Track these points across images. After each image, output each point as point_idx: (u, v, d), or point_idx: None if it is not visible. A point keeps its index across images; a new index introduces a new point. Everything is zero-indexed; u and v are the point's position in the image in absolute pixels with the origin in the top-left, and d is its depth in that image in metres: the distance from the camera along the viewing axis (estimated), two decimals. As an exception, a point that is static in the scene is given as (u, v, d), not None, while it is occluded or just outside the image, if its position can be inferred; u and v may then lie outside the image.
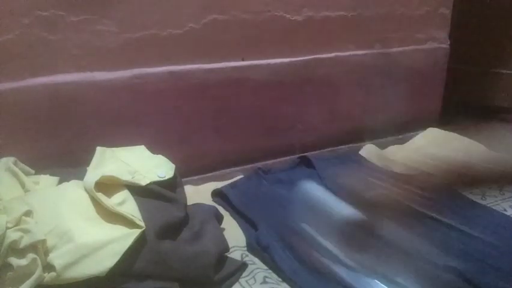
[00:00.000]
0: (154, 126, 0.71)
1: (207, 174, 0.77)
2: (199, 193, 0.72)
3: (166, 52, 0.68)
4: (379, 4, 0.86)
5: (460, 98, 1.11)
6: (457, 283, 0.49)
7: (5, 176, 0.51)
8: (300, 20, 0.78)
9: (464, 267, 0.50)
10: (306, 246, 0.56)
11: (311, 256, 0.54)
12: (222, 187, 0.72)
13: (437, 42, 0.97)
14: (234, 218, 0.65)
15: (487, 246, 0.56)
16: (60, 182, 0.54)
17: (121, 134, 0.67)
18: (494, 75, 1.08)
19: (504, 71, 1.06)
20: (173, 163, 0.60)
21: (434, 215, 0.64)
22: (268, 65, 0.77)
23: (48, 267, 0.42)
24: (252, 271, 0.52)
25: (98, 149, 0.57)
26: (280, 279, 0.51)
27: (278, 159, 0.84)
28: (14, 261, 0.40)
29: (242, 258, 0.55)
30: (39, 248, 0.41)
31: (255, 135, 0.80)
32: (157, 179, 0.54)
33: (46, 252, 0.42)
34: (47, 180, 0.55)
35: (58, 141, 0.64)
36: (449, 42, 0.98)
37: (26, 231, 0.41)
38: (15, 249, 0.41)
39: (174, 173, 0.57)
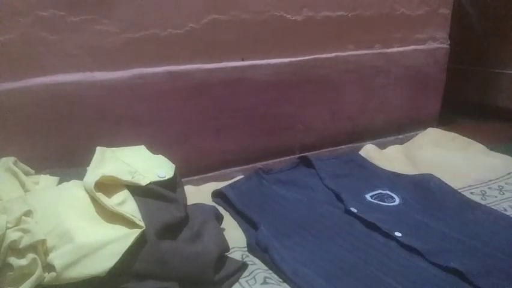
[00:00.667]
0: (154, 126, 0.71)
1: (207, 174, 0.77)
2: (199, 193, 0.72)
3: (166, 52, 0.68)
4: (379, 4, 0.86)
5: (460, 98, 1.11)
6: (458, 284, 0.49)
7: (5, 176, 0.51)
8: (300, 20, 0.78)
9: (464, 268, 0.50)
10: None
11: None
12: (222, 187, 0.72)
13: (437, 42, 0.97)
14: (234, 218, 0.65)
15: (487, 246, 0.56)
16: (60, 182, 0.54)
17: (121, 134, 0.67)
18: (494, 75, 1.08)
19: (504, 71, 1.06)
20: (173, 163, 0.60)
21: (433, 215, 0.64)
22: (268, 65, 0.77)
23: (48, 267, 0.42)
24: (252, 271, 0.52)
25: (98, 149, 0.57)
26: (280, 280, 0.51)
27: (278, 159, 0.84)
28: (14, 261, 0.40)
29: (242, 258, 0.55)
30: (39, 248, 0.41)
31: (255, 135, 0.80)
32: (157, 179, 0.54)
33: (46, 252, 0.42)
34: (47, 180, 0.54)
35: (58, 141, 0.64)
36: (449, 42, 0.98)
37: (26, 231, 0.41)
38: (15, 249, 0.41)
39: (174, 173, 0.57)
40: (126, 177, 0.51)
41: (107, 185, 0.50)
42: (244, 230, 0.61)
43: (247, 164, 0.80)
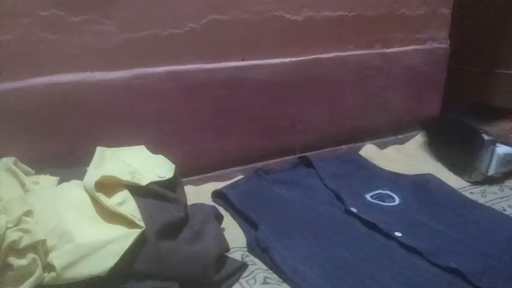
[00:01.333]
0: (154, 126, 0.71)
1: (207, 174, 0.77)
2: (199, 193, 0.72)
3: (166, 52, 0.68)
4: (379, 4, 0.86)
5: (460, 98, 1.10)
6: (458, 284, 0.49)
7: (5, 176, 0.51)
8: (300, 20, 0.78)
9: (464, 268, 0.50)
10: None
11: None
12: (222, 187, 0.72)
13: (437, 42, 0.97)
14: (234, 218, 0.65)
15: (487, 246, 0.56)
16: (60, 182, 0.54)
17: (121, 134, 0.67)
18: (494, 75, 1.08)
19: (504, 71, 1.06)
20: (173, 163, 0.60)
21: (433, 215, 0.64)
22: (268, 65, 0.77)
23: (48, 267, 0.42)
24: (252, 271, 0.52)
25: (98, 149, 0.57)
26: (280, 280, 0.51)
27: (278, 159, 0.84)
28: (14, 261, 0.40)
29: (242, 258, 0.55)
30: (39, 248, 0.41)
31: (255, 135, 0.80)
32: (157, 179, 0.54)
33: (46, 252, 0.42)
34: (47, 180, 0.55)
35: (58, 141, 0.64)
36: (449, 42, 0.98)
37: (26, 231, 0.41)
38: (15, 249, 0.41)
39: (174, 173, 0.57)
40: (126, 177, 0.51)
41: (107, 185, 0.50)
42: (244, 230, 0.61)
43: (247, 164, 0.80)
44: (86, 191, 0.49)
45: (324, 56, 0.83)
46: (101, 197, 0.47)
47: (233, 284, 0.50)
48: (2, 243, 0.40)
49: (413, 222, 0.62)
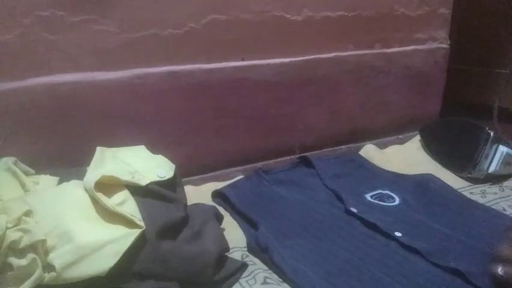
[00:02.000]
0: (154, 126, 0.71)
1: (207, 174, 0.77)
2: (199, 193, 0.72)
3: (166, 52, 0.68)
4: (379, 4, 0.86)
5: (460, 98, 1.11)
6: (458, 284, 0.49)
7: (5, 176, 0.51)
8: (300, 20, 0.78)
9: (464, 268, 0.50)
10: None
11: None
12: (222, 187, 0.72)
13: (437, 42, 0.97)
14: (234, 219, 0.65)
15: (487, 246, 0.56)
16: (60, 182, 0.54)
17: (121, 134, 0.67)
18: (494, 75, 1.08)
19: (504, 71, 1.06)
20: (173, 163, 0.60)
21: (433, 215, 0.64)
22: (268, 65, 0.77)
23: (48, 267, 0.42)
24: (252, 271, 0.52)
25: (98, 149, 0.57)
26: (280, 280, 0.51)
27: (278, 159, 0.84)
28: (14, 261, 0.40)
29: (242, 258, 0.55)
30: (39, 248, 0.41)
31: (255, 135, 0.80)
32: (157, 179, 0.54)
33: (46, 252, 0.42)
34: (47, 180, 0.54)
35: (58, 141, 0.64)
36: (449, 42, 0.98)
37: (26, 231, 0.41)
38: (15, 249, 0.41)
39: (174, 173, 0.57)
40: (126, 177, 0.51)
41: (107, 185, 0.50)
42: (244, 230, 0.61)
43: (247, 164, 0.80)
44: (86, 191, 0.49)
45: (324, 56, 0.83)
46: (101, 197, 0.47)
47: (233, 284, 0.50)
48: (2, 243, 0.40)
49: (413, 222, 0.62)
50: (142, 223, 0.46)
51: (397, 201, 0.69)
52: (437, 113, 1.03)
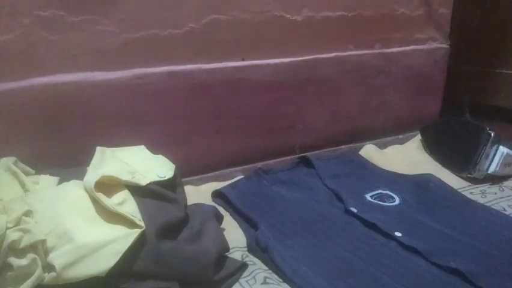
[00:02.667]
0: (154, 126, 0.71)
1: (207, 174, 0.77)
2: (199, 193, 0.72)
3: (166, 52, 0.68)
4: (379, 4, 0.86)
5: (460, 98, 1.11)
6: (458, 284, 0.49)
7: (5, 176, 0.51)
8: (300, 20, 0.78)
9: (464, 268, 0.50)
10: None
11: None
12: (222, 187, 0.72)
13: (437, 42, 0.97)
14: (234, 219, 0.65)
15: (487, 246, 0.56)
16: (60, 182, 0.54)
17: (121, 134, 0.67)
18: (494, 75, 1.08)
19: (504, 71, 1.06)
20: (173, 163, 0.60)
21: (433, 215, 0.64)
22: (268, 65, 0.77)
23: (49, 267, 0.42)
24: (252, 271, 0.52)
25: (98, 149, 0.57)
26: (280, 280, 0.51)
27: (278, 159, 0.84)
28: (14, 261, 0.40)
29: (242, 258, 0.55)
30: (39, 248, 0.41)
31: (255, 135, 0.80)
32: (157, 179, 0.54)
33: (46, 252, 0.42)
34: (47, 180, 0.54)
35: (58, 141, 0.64)
36: (449, 42, 0.98)
37: (26, 231, 0.41)
38: (15, 249, 0.41)
39: (174, 173, 0.57)
40: (126, 177, 0.51)
41: (107, 185, 0.50)
42: (244, 230, 0.61)
43: (247, 164, 0.80)
44: (86, 191, 0.49)
45: (324, 56, 0.83)
46: (101, 197, 0.47)
47: (233, 284, 0.50)
48: (2, 243, 0.40)
49: (413, 222, 0.62)
50: (142, 223, 0.46)
51: (397, 201, 0.69)
52: (437, 113, 1.03)
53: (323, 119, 0.87)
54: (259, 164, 0.81)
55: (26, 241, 0.41)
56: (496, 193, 0.73)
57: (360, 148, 0.91)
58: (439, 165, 0.84)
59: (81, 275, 0.41)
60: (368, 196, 0.71)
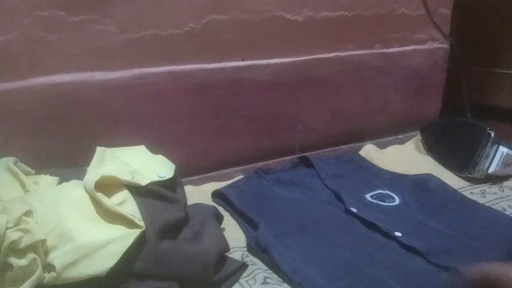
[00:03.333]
0: (154, 126, 0.71)
1: (207, 174, 0.77)
2: (199, 193, 0.72)
3: (166, 52, 0.68)
4: (379, 4, 0.86)
5: (460, 98, 1.10)
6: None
7: (5, 176, 0.51)
8: (300, 20, 0.78)
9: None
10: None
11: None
12: (222, 188, 0.72)
13: (437, 42, 0.97)
14: (234, 219, 0.65)
15: (487, 246, 0.56)
16: (60, 182, 0.54)
17: (121, 134, 0.67)
18: (494, 75, 1.08)
19: (504, 71, 1.06)
20: (173, 163, 0.60)
21: (433, 215, 0.64)
22: (268, 65, 0.77)
23: (48, 267, 0.42)
24: (252, 271, 0.52)
25: (98, 149, 0.57)
26: (280, 280, 0.51)
27: (278, 159, 0.84)
28: (14, 261, 0.40)
29: (242, 258, 0.55)
30: (39, 248, 0.41)
31: (255, 135, 0.80)
32: (157, 179, 0.54)
33: (46, 252, 0.42)
34: (47, 180, 0.54)
35: (58, 141, 0.64)
36: (449, 42, 0.98)
37: (26, 231, 0.41)
38: (15, 249, 0.41)
39: (174, 173, 0.57)
40: (126, 177, 0.51)
41: (107, 185, 0.50)
42: (244, 230, 0.61)
43: (247, 164, 0.80)
44: (86, 191, 0.49)
45: (324, 56, 0.83)
46: (101, 197, 0.47)
47: (233, 284, 0.50)
48: (2, 243, 0.40)
49: (413, 222, 0.62)
50: (142, 223, 0.46)
51: (397, 201, 0.69)
52: (437, 113, 1.03)
53: (323, 119, 0.87)
54: (259, 164, 0.81)
55: (26, 241, 0.41)
56: (496, 193, 0.73)
57: (360, 148, 0.91)
58: (439, 165, 0.84)
59: (81, 275, 0.41)
60: (368, 196, 0.71)
